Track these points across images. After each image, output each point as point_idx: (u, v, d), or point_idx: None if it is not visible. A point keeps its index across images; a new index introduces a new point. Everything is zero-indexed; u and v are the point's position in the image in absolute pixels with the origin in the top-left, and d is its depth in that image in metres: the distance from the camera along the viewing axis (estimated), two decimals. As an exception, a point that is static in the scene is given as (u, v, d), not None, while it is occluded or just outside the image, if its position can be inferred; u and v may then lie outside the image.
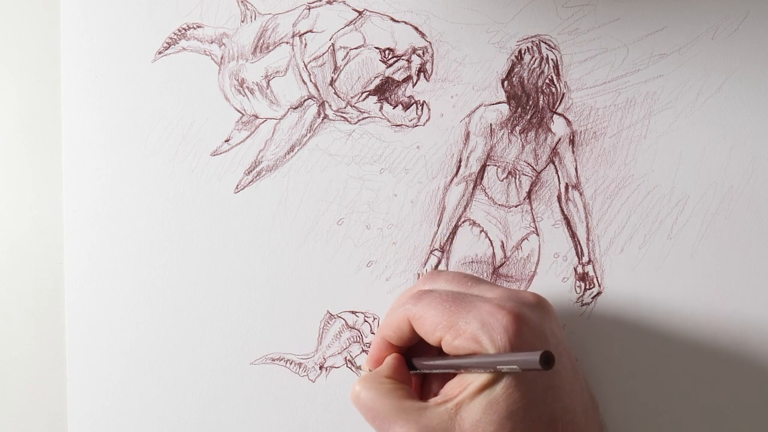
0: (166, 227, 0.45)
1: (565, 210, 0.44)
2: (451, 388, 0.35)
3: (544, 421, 0.33)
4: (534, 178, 0.44)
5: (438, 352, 0.37)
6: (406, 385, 0.37)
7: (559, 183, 0.44)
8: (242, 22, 0.45)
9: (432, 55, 0.44)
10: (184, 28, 0.45)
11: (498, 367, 0.32)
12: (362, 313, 0.44)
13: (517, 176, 0.44)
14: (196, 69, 0.45)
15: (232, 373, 0.44)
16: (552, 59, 0.44)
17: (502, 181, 0.44)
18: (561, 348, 0.35)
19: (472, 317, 0.34)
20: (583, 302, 0.43)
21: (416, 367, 0.38)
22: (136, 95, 0.45)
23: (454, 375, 0.37)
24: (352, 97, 0.45)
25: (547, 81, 0.44)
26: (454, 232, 0.44)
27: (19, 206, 0.46)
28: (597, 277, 0.43)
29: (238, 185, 0.45)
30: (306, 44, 0.45)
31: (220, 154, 0.45)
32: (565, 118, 0.44)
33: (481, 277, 0.40)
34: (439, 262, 0.44)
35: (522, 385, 0.32)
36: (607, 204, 0.43)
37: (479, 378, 0.33)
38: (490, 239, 0.44)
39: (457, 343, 0.34)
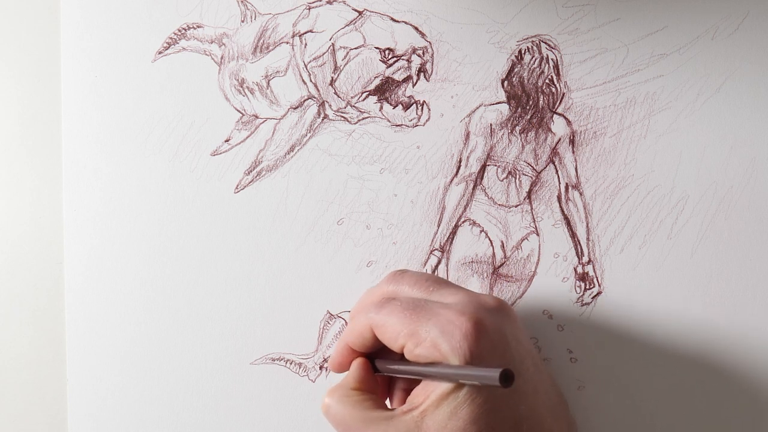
0: (166, 227, 0.45)
1: (565, 210, 0.44)
2: (415, 395, 0.35)
3: (509, 424, 0.33)
4: (534, 178, 0.44)
5: (400, 356, 0.37)
6: (374, 392, 0.38)
7: (559, 183, 0.44)
8: (242, 22, 0.45)
9: (432, 55, 0.44)
10: (184, 28, 0.45)
11: (459, 380, 0.32)
12: (362, 313, 0.44)
13: (517, 176, 0.44)
14: (196, 69, 0.45)
15: (232, 373, 0.44)
16: (552, 59, 0.44)
17: (502, 181, 0.44)
18: (523, 351, 0.36)
19: (432, 325, 0.34)
20: (583, 302, 0.43)
21: (380, 370, 0.39)
22: (136, 95, 0.45)
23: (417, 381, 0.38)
24: (352, 97, 0.45)
25: (547, 81, 0.44)
26: (454, 232, 0.44)
27: (19, 206, 0.46)
28: (597, 277, 0.43)
29: (238, 185, 0.45)
30: (306, 44, 0.45)
31: (220, 154, 0.45)
32: (565, 118, 0.44)
33: (444, 279, 0.40)
34: (439, 262, 0.44)
35: (485, 389, 0.33)
36: (607, 204, 0.43)
37: (442, 385, 0.33)
38: (490, 239, 0.44)
39: (418, 351, 0.34)
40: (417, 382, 0.37)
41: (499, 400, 0.33)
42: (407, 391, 0.39)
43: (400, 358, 0.37)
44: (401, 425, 0.34)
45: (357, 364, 0.39)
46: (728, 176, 0.43)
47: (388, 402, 0.40)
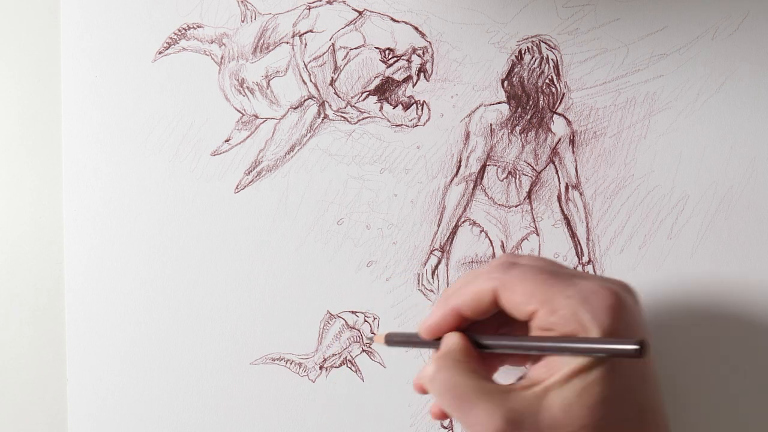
0: (166, 227, 0.45)
1: (565, 210, 0.44)
2: (536, 371, 0.32)
3: (635, 410, 0.31)
4: (534, 178, 0.44)
5: (496, 329, 0.34)
6: (479, 364, 0.34)
7: (559, 183, 0.44)
8: (242, 22, 0.45)
9: (432, 55, 0.44)
10: (184, 28, 0.45)
11: (594, 355, 0.30)
12: (362, 313, 0.44)
13: (517, 176, 0.44)
14: (196, 69, 0.45)
15: (232, 373, 0.44)
16: (552, 59, 0.44)
17: (502, 181, 0.44)
18: (649, 337, 0.33)
19: (574, 292, 0.31)
20: (583, 302, 0.43)
21: (487, 346, 0.34)
22: (136, 95, 0.45)
23: (521, 358, 0.36)
24: (352, 97, 0.45)
25: (547, 81, 0.44)
26: (454, 232, 0.44)
27: (19, 206, 0.46)
28: (597, 277, 0.43)
29: (238, 185, 0.45)
30: (306, 44, 0.45)
31: (220, 154, 0.45)
32: (565, 118, 0.44)
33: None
34: (439, 262, 0.44)
35: (617, 371, 0.31)
36: (607, 204, 0.43)
37: (572, 362, 0.30)
38: (490, 239, 0.44)
39: (554, 319, 0.31)
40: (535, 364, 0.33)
41: (629, 384, 0.31)
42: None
43: (497, 333, 0.34)
44: (521, 400, 0.31)
45: (458, 336, 0.34)
46: (728, 176, 0.43)
47: None
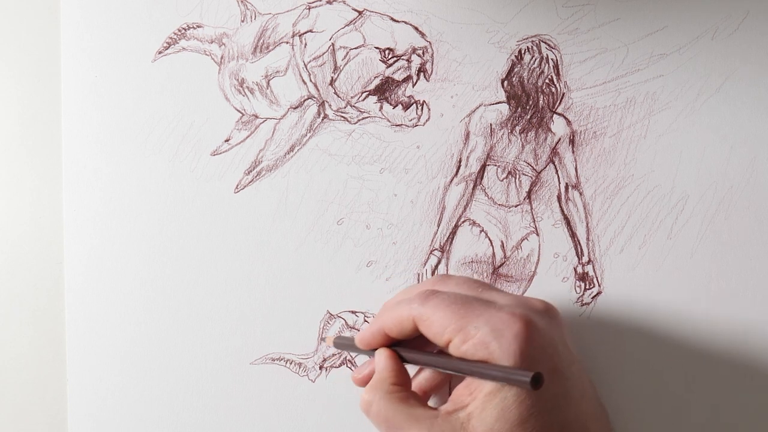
0: (166, 227, 0.45)
1: (565, 210, 0.44)
2: (459, 394, 0.34)
3: (557, 428, 0.33)
4: (534, 178, 0.44)
5: (424, 345, 0.37)
6: (407, 385, 0.37)
7: (559, 183, 0.44)
8: (242, 21, 0.45)
9: (432, 55, 0.44)
10: (184, 28, 0.45)
11: (495, 380, 0.32)
12: (362, 313, 0.44)
13: (517, 176, 0.44)
14: (196, 69, 0.45)
15: (232, 373, 0.44)
16: (552, 59, 0.44)
17: (502, 181, 0.44)
18: (570, 355, 0.35)
19: (482, 322, 0.33)
20: (583, 302, 0.43)
21: (409, 361, 0.38)
22: (136, 95, 0.45)
23: (446, 377, 0.38)
24: (352, 97, 0.45)
25: (547, 81, 0.44)
26: (454, 232, 0.44)
27: (19, 206, 0.46)
28: (597, 277, 0.43)
29: (238, 185, 0.45)
30: (306, 44, 0.45)
31: (220, 154, 0.45)
32: (565, 118, 0.44)
33: (490, 284, 0.40)
34: (439, 262, 0.44)
35: (534, 393, 0.32)
36: (607, 204, 0.43)
37: (487, 384, 0.33)
38: (490, 239, 0.44)
39: (465, 348, 0.34)
40: (444, 377, 0.36)
41: (548, 402, 0.33)
42: (430, 383, 0.39)
43: (422, 347, 0.37)
44: (447, 425, 0.33)
45: (388, 355, 0.38)
46: (728, 176, 0.43)
47: None
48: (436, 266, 0.44)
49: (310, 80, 0.45)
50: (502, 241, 0.44)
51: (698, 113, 0.43)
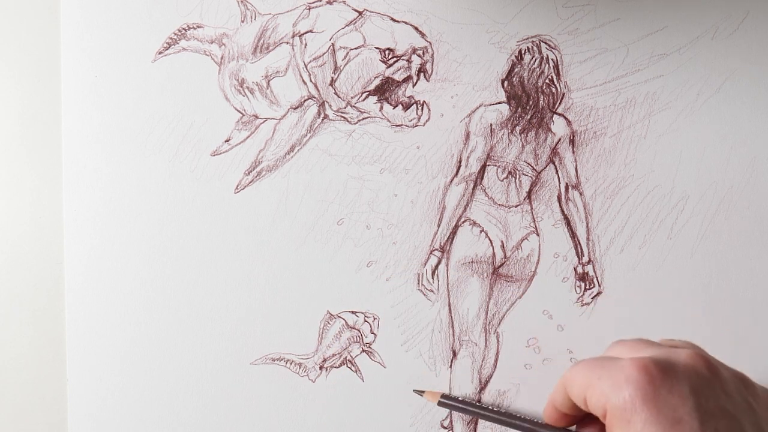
0: (166, 227, 0.45)
1: (565, 210, 0.44)
2: None
3: None
4: (534, 178, 0.44)
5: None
6: None
7: (559, 183, 0.44)
8: (242, 22, 0.45)
9: (432, 55, 0.44)
10: (184, 28, 0.45)
11: None
12: (362, 313, 0.44)
13: (517, 176, 0.44)
14: (196, 69, 0.45)
15: (232, 373, 0.44)
16: (552, 59, 0.44)
17: (502, 181, 0.44)
18: (716, 410, 0.31)
19: (606, 374, 0.32)
20: (583, 302, 0.43)
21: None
22: (136, 95, 0.45)
23: None
24: (352, 97, 0.45)
25: (547, 81, 0.44)
26: (454, 232, 0.44)
27: (19, 206, 0.46)
28: (597, 277, 0.43)
29: (238, 185, 0.45)
30: (306, 44, 0.45)
31: (220, 154, 0.45)
32: (565, 118, 0.44)
33: (659, 342, 0.36)
34: (439, 262, 0.44)
35: None
36: (607, 204, 0.43)
37: None
38: (490, 239, 0.44)
39: (592, 402, 0.32)
40: None
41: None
42: None
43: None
44: None
45: None
46: (728, 176, 0.43)
47: None
48: (436, 266, 0.44)
49: (310, 80, 0.45)
50: (502, 241, 0.44)
51: (698, 113, 0.43)
